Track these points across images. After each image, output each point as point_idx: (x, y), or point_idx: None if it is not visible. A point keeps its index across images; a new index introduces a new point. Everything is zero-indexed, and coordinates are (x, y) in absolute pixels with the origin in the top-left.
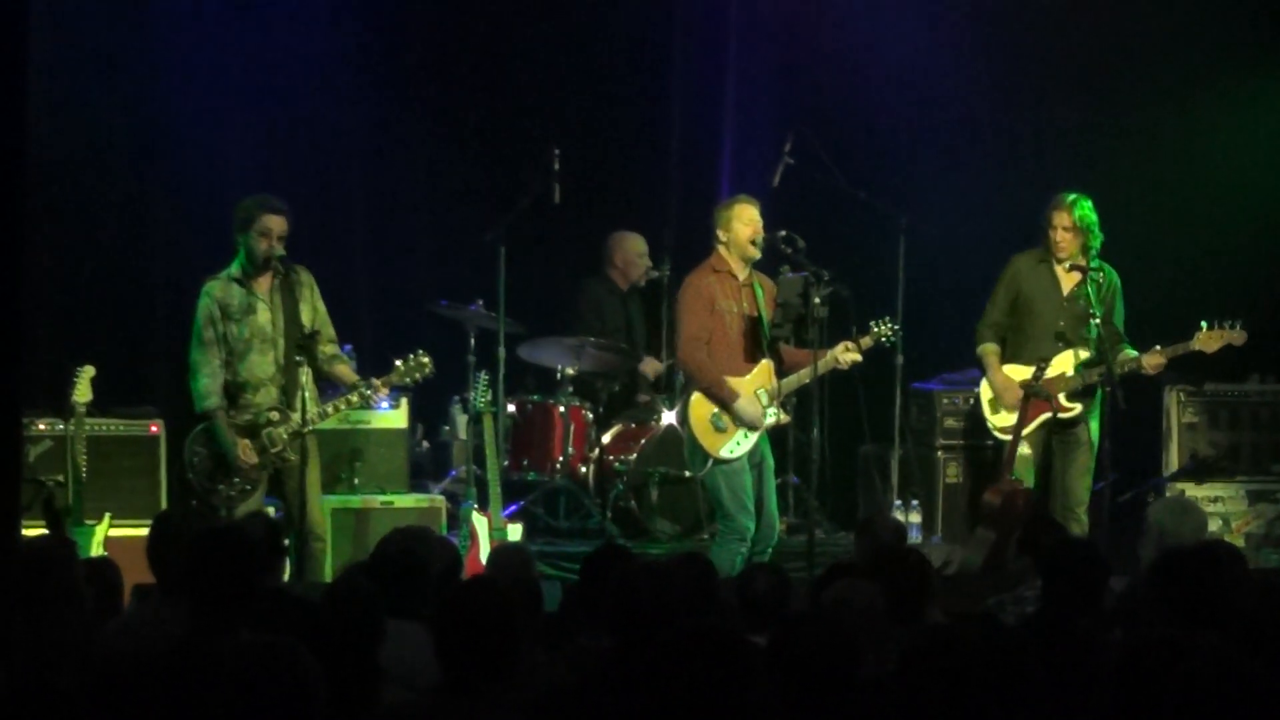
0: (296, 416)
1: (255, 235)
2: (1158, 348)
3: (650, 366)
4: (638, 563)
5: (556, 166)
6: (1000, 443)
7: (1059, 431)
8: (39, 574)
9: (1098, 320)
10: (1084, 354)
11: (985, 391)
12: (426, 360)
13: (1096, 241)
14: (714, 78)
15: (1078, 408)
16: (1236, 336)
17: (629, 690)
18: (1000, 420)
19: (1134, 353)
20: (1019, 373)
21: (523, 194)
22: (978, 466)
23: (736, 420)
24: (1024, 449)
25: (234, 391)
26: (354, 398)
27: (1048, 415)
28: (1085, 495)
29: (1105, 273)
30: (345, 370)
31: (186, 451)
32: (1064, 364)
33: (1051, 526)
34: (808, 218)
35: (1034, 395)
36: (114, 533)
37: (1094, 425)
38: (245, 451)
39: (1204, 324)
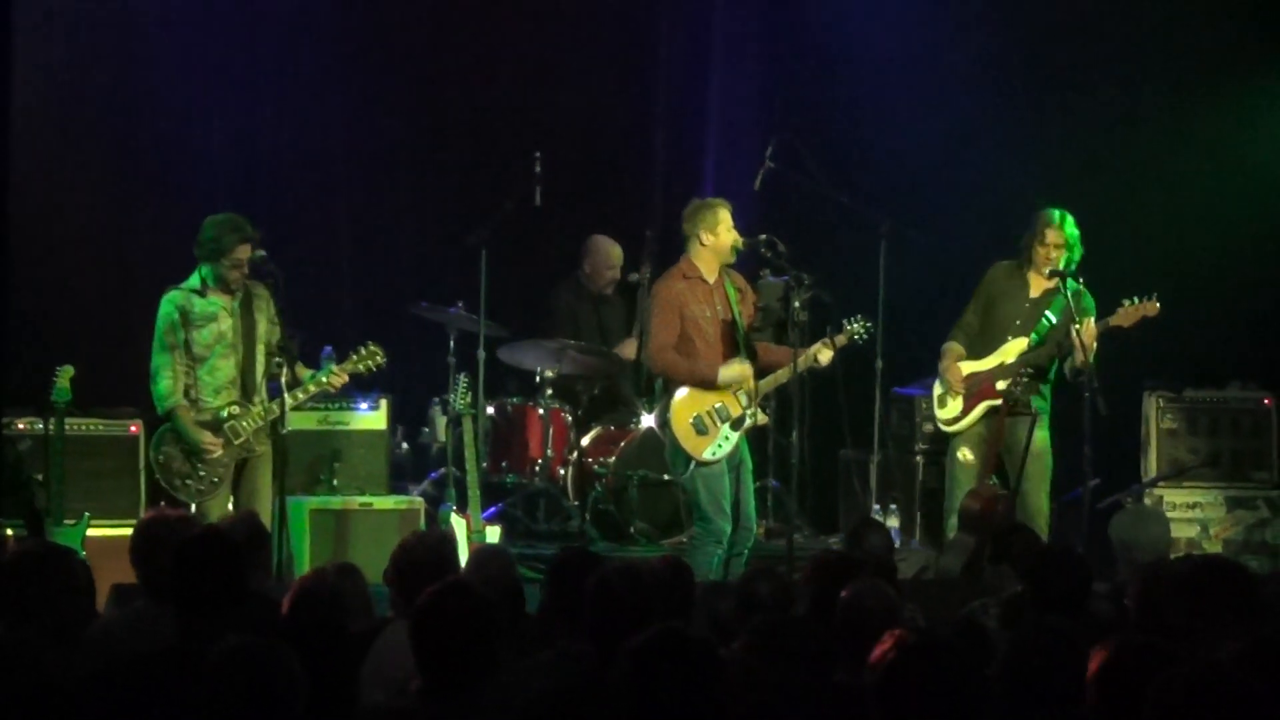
0: (255, 409)
1: (227, 266)
2: (1089, 320)
3: (628, 349)
4: (608, 566)
5: (538, 169)
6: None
7: (1009, 436)
8: (37, 576)
9: (1052, 322)
10: (1019, 347)
11: (937, 387)
12: (377, 349)
13: (1077, 254)
14: (697, 81)
15: (1001, 399)
16: (1149, 308)
17: (607, 695)
18: (945, 413)
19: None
20: (969, 366)
21: (505, 197)
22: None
23: (728, 388)
24: (967, 454)
25: (195, 397)
26: (311, 386)
27: (987, 404)
28: (1045, 504)
29: (1084, 296)
30: (302, 371)
31: (152, 454)
32: (1012, 352)
33: (1026, 533)
34: (789, 222)
35: (1014, 401)
36: (93, 532)
37: (1044, 434)
38: (210, 443)
39: (1125, 301)
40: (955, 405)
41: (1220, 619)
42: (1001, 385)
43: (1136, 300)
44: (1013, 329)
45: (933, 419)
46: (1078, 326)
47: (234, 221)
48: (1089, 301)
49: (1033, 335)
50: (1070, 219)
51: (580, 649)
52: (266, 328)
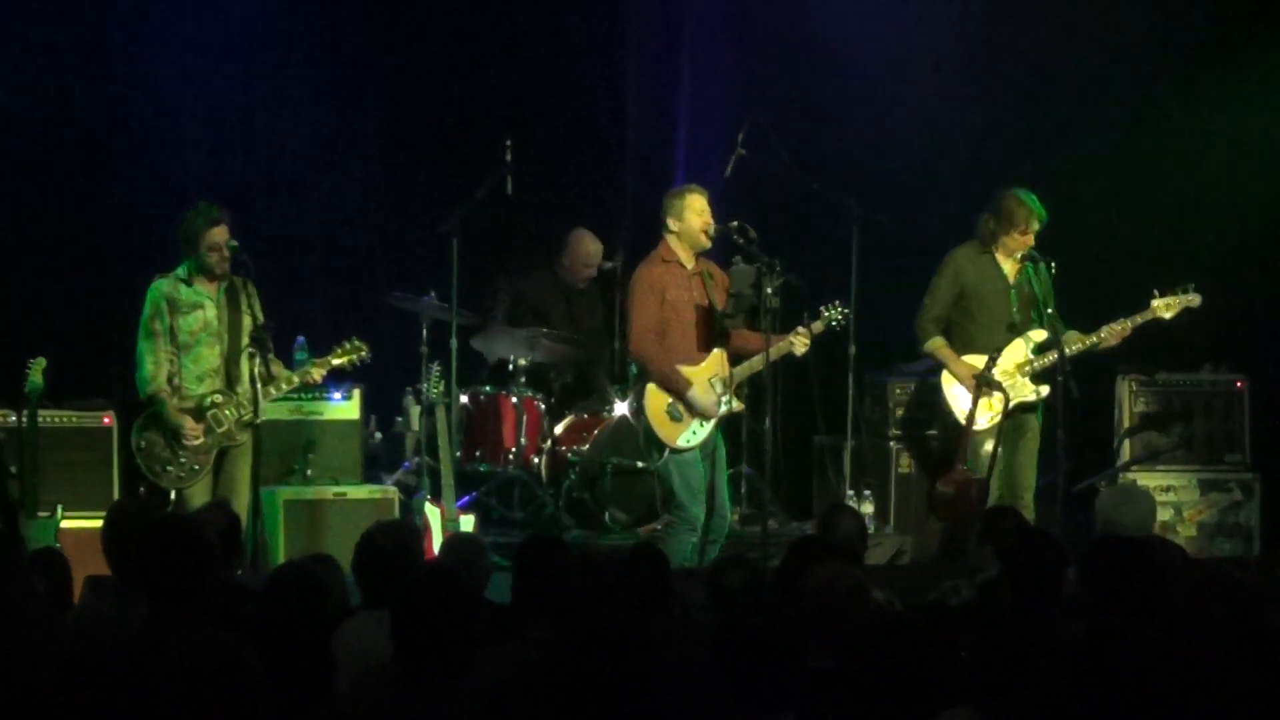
0: (239, 397)
1: (206, 252)
2: (1122, 319)
3: None
4: (573, 554)
5: (509, 158)
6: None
7: (1010, 417)
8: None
9: (1049, 309)
10: (1037, 337)
11: (948, 385)
12: (361, 343)
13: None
14: (668, 68)
15: (1045, 388)
16: (1192, 299)
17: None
18: (967, 413)
19: (1084, 334)
20: (981, 362)
21: (476, 186)
22: (931, 457)
23: (690, 409)
24: (988, 448)
25: (178, 384)
26: (295, 378)
27: (1017, 401)
28: (1033, 481)
29: (1041, 265)
30: (278, 369)
31: (134, 438)
32: (1017, 350)
33: (1012, 515)
34: (761, 208)
35: (988, 386)
36: (67, 524)
37: (1037, 413)
38: (192, 429)
39: (1156, 293)
40: (981, 404)
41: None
42: (1033, 382)
43: (1176, 292)
44: (1011, 318)
45: (904, 404)
46: (1049, 311)
47: (201, 207)
48: (1044, 269)
49: (1045, 327)
50: (1036, 197)
51: (547, 636)
52: (251, 319)
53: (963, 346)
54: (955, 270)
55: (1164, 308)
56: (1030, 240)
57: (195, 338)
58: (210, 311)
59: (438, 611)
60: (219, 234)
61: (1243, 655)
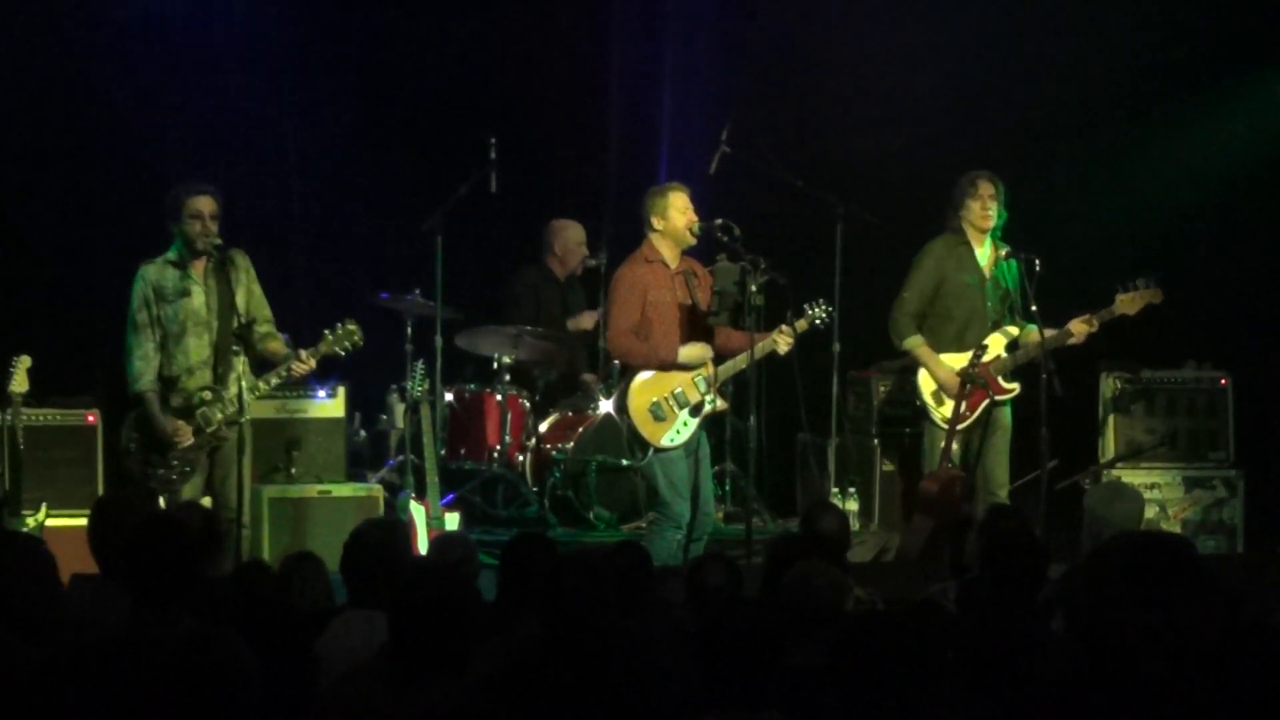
0: (229, 395)
1: (187, 220)
2: (1087, 316)
3: (586, 320)
4: (561, 552)
5: (493, 155)
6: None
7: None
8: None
9: (1032, 306)
10: (1013, 331)
11: (926, 384)
12: (354, 328)
13: (1003, 220)
14: (651, 65)
15: (1016, 387)
16: (1154, 295)
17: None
18: (947, 411)
19: (1053, 330)
20: (958, 360)
21: (460, 183)
22: (915, 454)
23: (689, 371)
24: (955, 445)
25: (168, 376)
26: (283, 371)
27: (986, 402)
28: (1005, 477)
29: (1015, 264)
30: (278, 346)
31: (123, 437)
32: (996, 346)
33: (1012, 515)
34: (745, 205)
35: (971, 383)
36: (51, 522)
37: (1006, 410)
38: (180, 432)
39: (1119, 287)
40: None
41: (1161, 596)
42: (1004, 380)
43: (1137, 286)
44: (990, 313)
45: (888, 402)
46: (1033, 309)
47: (188, 182)
48: (1021, 265)
49: (1021, 321)
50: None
51: (535, 633)
52: (245, 300)
53: (938, 343)
54: (934, 260)
55: (1127, 303)
56: (987, 205)
57: (183, 327)
58: (198, 299)
59: (437, 607)
60: (201, 203)
61: (1227, 652)
